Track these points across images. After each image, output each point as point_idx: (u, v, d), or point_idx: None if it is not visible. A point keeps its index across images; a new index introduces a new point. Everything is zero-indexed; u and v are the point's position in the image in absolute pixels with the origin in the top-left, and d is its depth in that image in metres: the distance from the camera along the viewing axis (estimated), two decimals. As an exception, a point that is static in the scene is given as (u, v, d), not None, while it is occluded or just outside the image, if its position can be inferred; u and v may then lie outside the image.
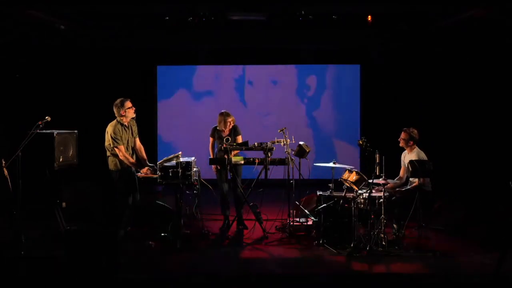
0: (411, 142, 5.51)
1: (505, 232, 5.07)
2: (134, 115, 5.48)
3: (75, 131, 6.18)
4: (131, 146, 5.52)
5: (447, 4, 6.50)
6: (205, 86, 8.94)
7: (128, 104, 5.39)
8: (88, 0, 6.53)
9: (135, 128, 5.58)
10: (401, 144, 5.59)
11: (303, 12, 6.96)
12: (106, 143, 5.38)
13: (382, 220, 5.11)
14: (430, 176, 5.28)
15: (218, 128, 6.03)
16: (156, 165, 5.25)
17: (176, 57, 8.77)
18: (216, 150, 6.09)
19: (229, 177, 5.98)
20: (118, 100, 5.39)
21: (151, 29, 7.74)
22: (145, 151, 5.71)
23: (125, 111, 5.35)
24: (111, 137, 5.29)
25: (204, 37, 8.09)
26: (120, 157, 5.30)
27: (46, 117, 5.10)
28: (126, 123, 5.43)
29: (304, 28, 7.67)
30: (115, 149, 5.30)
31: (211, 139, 6.12)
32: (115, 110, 5.38)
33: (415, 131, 5.52)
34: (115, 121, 5.39)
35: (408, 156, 5.53)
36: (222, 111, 6.04)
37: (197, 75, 8.94)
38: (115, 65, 8.20)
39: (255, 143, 5.75)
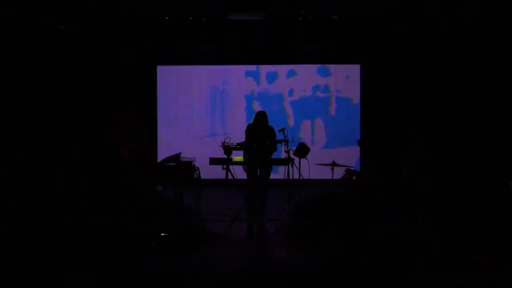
0: (418, 142, 5.50)
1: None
2: (132, 122, 5.58)
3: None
4: (136, 147, 5.60)
5: (447, 4, 6.51)
6: (205, 86, 8.94)
7: (122, 115, 5.51)
8: (88, 0, 6.54)
9: (141, 129, 5.67)
10: (408, 144, 5.59)
11: (303, 12, 6.96)
12: None
13: (382, 220, 5.12)
14: (428, 176, 5.28)
15: (252, 127, 6.08)
16: (156, 165, 5.27)
17: (176, 57, 8.76)
18: None
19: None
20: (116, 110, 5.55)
21: (151, 29, 7.74)
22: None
23: (120, 121, 5.49)
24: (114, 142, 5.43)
25: (204, 37, 8.08)
26: (126, 160, 5.43)
27: (46, 116, 5.13)
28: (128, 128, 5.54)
29: (304, 28, 7.67)
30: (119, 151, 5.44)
31: (246, 137, 6.14)
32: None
33: (423, 131, 5.52)
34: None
35: (414, 156, 5.53)
36: (258, 110, 6.07)
37: (197, 75, 8.94)
38: (115, 65, 8.20)
39: (255, 143, 5.77)
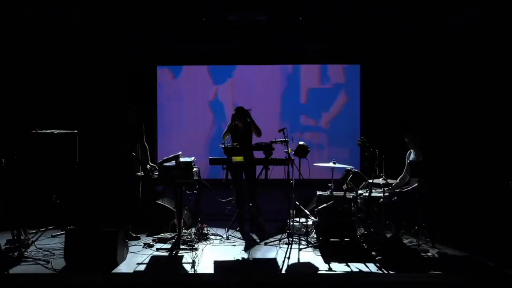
0: (417, 144, 5.50)
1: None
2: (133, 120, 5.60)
3: (75, 131, 6.20)
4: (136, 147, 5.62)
5: (448, 3, 6.51)
6: (205, 86, 8.95)
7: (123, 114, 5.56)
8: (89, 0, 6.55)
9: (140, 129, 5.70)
10: (408, 146, 5.60)
11: (303, 12, 6.96)
12: None
13: (382, 220, 5.11)
14: (428, 177, 5.27)
15: (233, 127, 6.05)
16: (157, 165, 5.28)
17: (176, 57, 8.76)
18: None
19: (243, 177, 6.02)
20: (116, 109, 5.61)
21: (151, 29, 7.74)
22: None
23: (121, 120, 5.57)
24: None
25: (204, 37, 8.08)
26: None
27: None
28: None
29: (304, 28, 7.67)
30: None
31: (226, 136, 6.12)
32: None
33: (419, 133, 5.52)
34: None
35: (413, 156, 5.54)
36: (236, 107, 6.09)
37: (197, 75, 8.94)
38: (115, 65, 8.20)
39: (255, 143, 5.76)
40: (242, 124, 6.02)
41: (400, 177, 5.60)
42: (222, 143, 5.69)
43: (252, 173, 5.95)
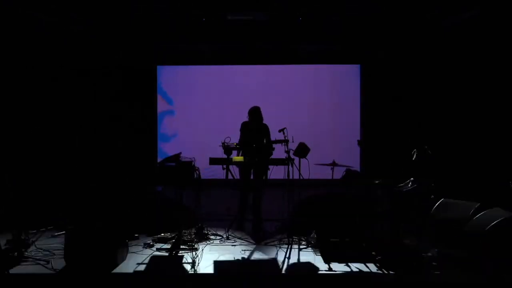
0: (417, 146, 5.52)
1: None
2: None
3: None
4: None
5: (448, 4, 6.51)
6: (205, 86, 8.94)
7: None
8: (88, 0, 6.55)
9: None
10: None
11: (303, 12, 6.97)
12: None
13: (382, 220, 5.11)
14: (429, 177, 5.28)
15: (247, 124, 6.05)
16: (156, 165, 5.28)
17: (176, 57, 8.76)
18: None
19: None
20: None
21: (151, 29, 7.73)
22: (145, 151, 5.75)
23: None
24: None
25: (204, 37, 8.08)
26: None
27: None
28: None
29: (304, 28, 7.67)
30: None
31: (241, 135, 6.12)
32: None
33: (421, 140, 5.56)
34: None
35: (415, 156, 5.55)
36: (252, 106, 6.06)
37: (197, 75, 8.94)
38: (115, 65, 8.20)
39: (254, 143, 5.77)
40: (255, 125, 6.02)
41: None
42: (223, 143, 5.68)
43: (262, 173, 5.93)
